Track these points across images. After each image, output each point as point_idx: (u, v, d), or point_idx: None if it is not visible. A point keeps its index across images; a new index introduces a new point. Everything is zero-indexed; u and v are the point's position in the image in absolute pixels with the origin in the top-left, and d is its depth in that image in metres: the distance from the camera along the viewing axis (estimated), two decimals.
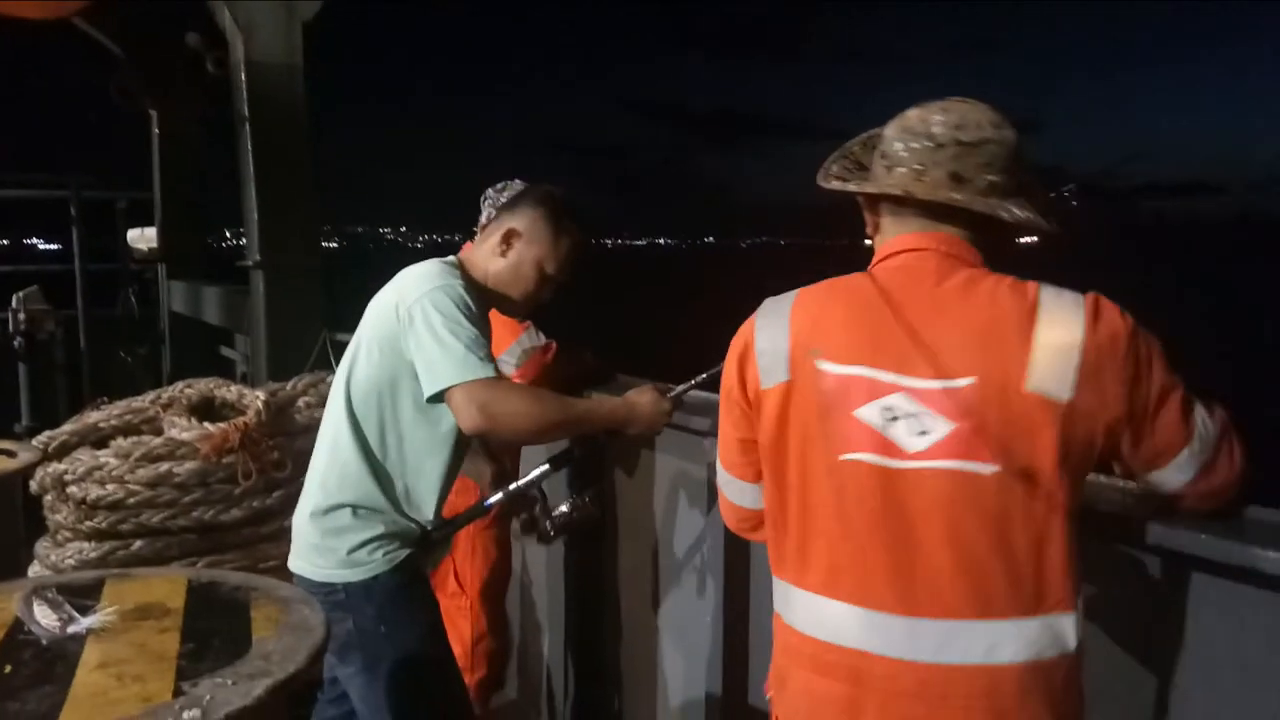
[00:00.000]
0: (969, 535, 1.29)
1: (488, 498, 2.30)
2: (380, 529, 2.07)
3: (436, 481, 2.13)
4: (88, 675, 1.29)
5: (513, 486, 2.29)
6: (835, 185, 1.48)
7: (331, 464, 2.11)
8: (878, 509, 1.32)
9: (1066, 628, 1.30)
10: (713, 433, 2.56)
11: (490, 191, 3.03)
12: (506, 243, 2.18)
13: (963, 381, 1.29)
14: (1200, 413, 1.35)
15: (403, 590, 2.10)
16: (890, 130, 1.41)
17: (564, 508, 2.39)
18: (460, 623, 3.00)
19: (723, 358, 2.20)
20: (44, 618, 1.45)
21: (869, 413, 1.32)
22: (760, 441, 1.45)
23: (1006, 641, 1.29)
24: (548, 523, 2.38)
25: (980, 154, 1.35)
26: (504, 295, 2.21)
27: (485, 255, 2.20)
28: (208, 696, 1.21)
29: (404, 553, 2.11)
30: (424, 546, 2.17)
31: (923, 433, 1.30)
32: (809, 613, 1.40)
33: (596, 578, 3.22)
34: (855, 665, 1.34)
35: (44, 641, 1.40)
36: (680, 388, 2.26)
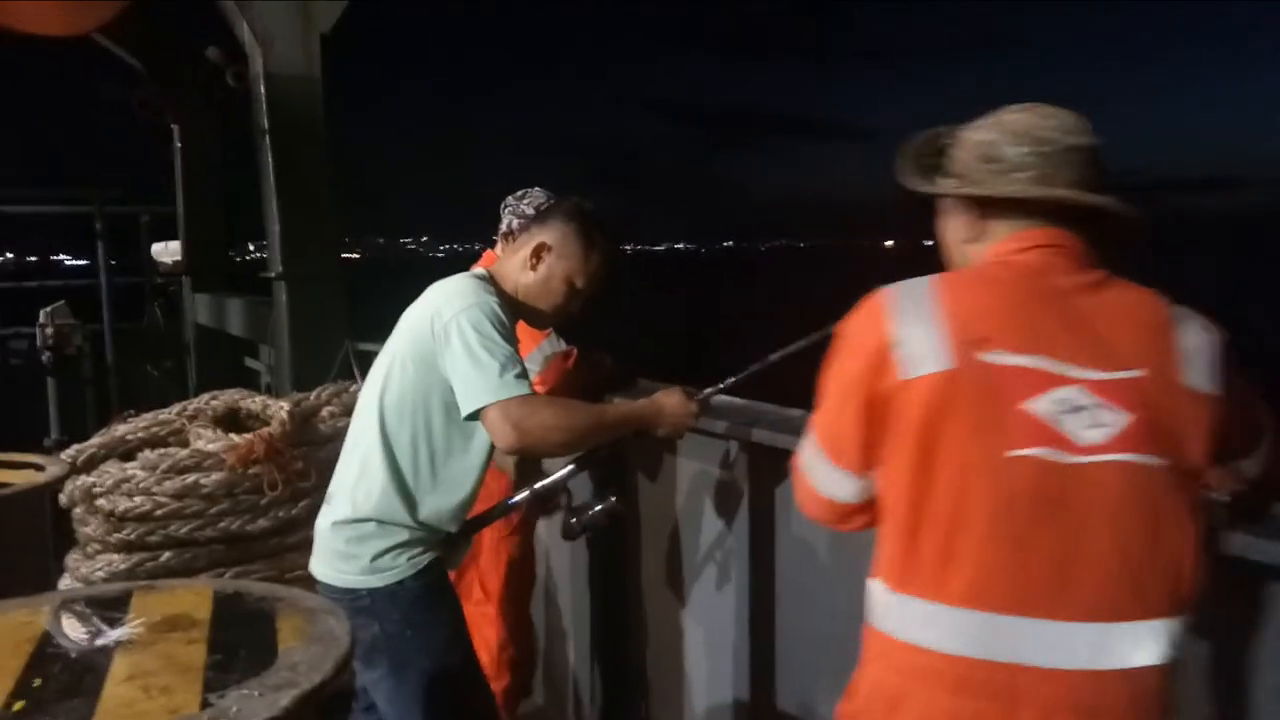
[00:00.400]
0: (1133, 531, 1.27)
1: (512, 497, 2.31)
2: (405, 536, 2.09)
3: (466, 496, 2.14)
4: (116, 687, 1.30)
5: (538, 485, 2.30)
6: (964, 189, 1.42)
7: (361, 479, 2.11)
8: (1044, 507, 1.27)
9: (1183, 628, 1.30)
10: (737, 436, 2.57)
11: (510, 199, 3.04)
12: (537, 257, 2.18)
13: (1135, 373, 1.29)
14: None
15: (427, 594, 2.12)
16: (994, 134, 1.40)
17: (589, 505, 2.39)
18: (486, 630, 3.00)
19: (749, 363, 2.17)
20: (72, 630, 1.46)
21: (1041, 405, 1.27)
22: (897, 437, 1.34)
23: (1152, 643, 1.27)
24: (574, 520, 2.38)
25: (1087, 156, 1.37)
26: (533, 308, 2.22)
27: (515, 269, 2.21)
28: (234, 708, 1.22)
29: (428, 557, 2.12)
30: (448, 548, 2.19)
31: (1098, 425, 1.26)
32: (948, 628, 1.30)
33: (621, 583, 3.21)
34: (1008, 680, 1.27)
35: (73, 654, 1.41)
36: (709, 390, 2.26)
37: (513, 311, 2.14)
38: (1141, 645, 1.27)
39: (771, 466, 2.53)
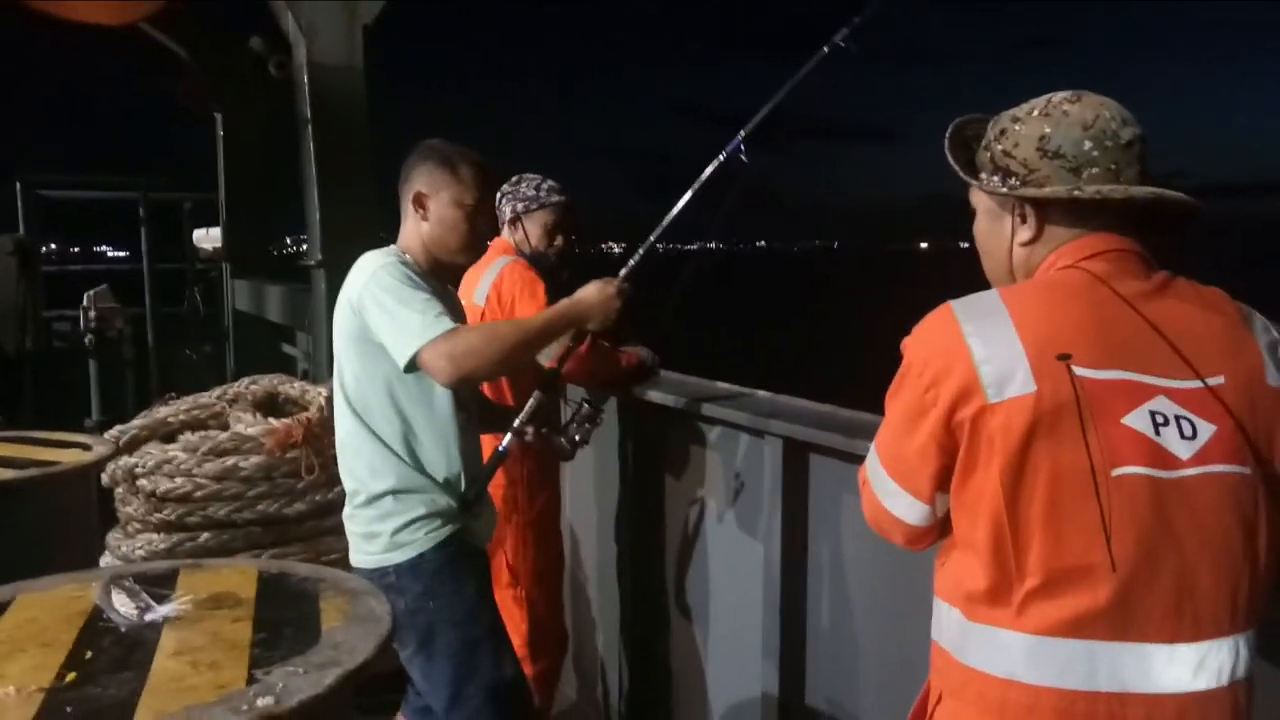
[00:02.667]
0: (1230, 545, 1.23)
1: (500, 445, 2.38)
2: (421, 509, 2.17)
3: (454, 448, 2.22)
4: (165, 661, 1.33)
5: (515, 424, 2.40)
6: (1044, 192, 1.32)
7: (356, 459, 2.22)
8: (1151, 527, 1.21)
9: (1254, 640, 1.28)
10: (767, 433, 2.57)
11: (506, 187, 3.12)
12: (420, 205, 2.26)
13: (1216, 379, 1.24)
14: None
15: (449, 565, 2.20)
16: (1047, 126, 1.33)
17: (570, 422, 2.54)
18: (515, 614, 3.04)
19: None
20: (122, 606, 1.50)
21: (1138, 420, 1.22)
22: (982, 463, 1.26)
23: (1243, 656, 1.25)
24: (562, 439, 2.51)
25: (1143, 148, 1.32)
26: (449, 250, 2.27)
27: (413, 229, 2.28)
28: (280, 684, 1.24)
29: (447, 530, 2.20)
30: (466, 519, 2.25)
31: (1190, 437, 1.22)
32: (1047, 659, 1.24)
33: (650, 576, 3.23)
34: (1111, 711, 1.22)
35: (123, 629, 1.45)
36: (624, 270, 2.37)
37: (436, 269, 2.26)
38: (1239, 659, 1.24)
39: (806, 462, 2.53)
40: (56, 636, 1.42)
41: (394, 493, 2.18)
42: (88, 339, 6.59)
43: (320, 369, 4.83)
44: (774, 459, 2.56)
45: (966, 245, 1.52)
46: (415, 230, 2.27)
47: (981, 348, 1.25)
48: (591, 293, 2.26)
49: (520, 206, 3.11)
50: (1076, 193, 1.29)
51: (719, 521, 2.93)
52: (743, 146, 2.33)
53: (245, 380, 3.86)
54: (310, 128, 4.75)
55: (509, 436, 2.39)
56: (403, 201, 2.29)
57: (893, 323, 1.39)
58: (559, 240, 3.14)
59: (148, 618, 1.46)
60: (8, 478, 2.32)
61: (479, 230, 2.29)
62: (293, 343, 6.24)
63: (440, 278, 2.28)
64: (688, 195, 2.40)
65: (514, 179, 3.14)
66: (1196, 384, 1.23)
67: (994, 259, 1.43)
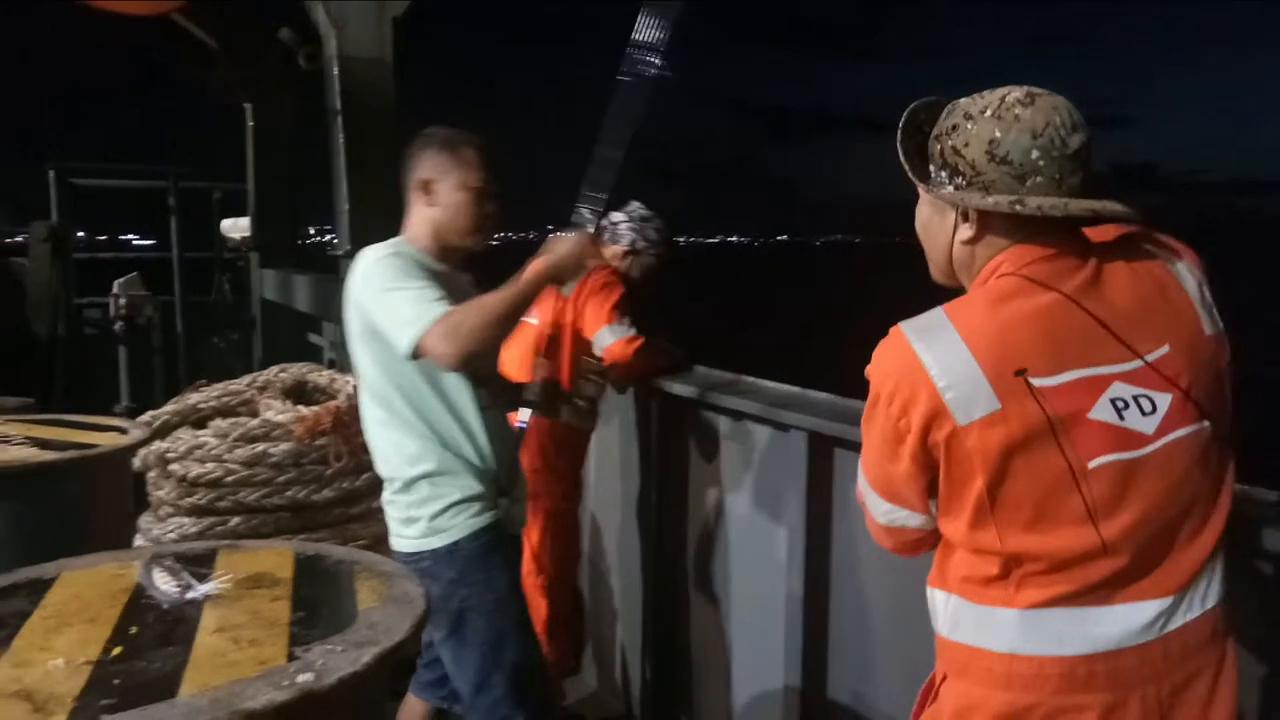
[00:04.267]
0: (1201, 493, 1.35)
1: (516, 421, 2.43)
2: (457, 494, 2.21)
3: (479, 428, 2.24)
4: (207, 638, 1.37)
5: (529, 396, 2.46)
6: (986, 204, 1.35)
7: (388, 447, 2.27)
8: (1133, 504, 1.31)
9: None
10: (792, 426, 2.59)
11: (634, 215, 3.18)
12: (427, 191, 2.27)
13: (1162, 350, 1.34)
14: None
15: (482, 556, 2.23)
16: (997, 129, 1.34)
17: (574, 391, 2.62)
18: (539, 601, 3.09)
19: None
20: (164, 584, 1.53)
21: (1102, 412, 1.31)
22: (960, 481, 1.34)
23: (1216, 582, 1.37)
24: (577, 401, 2.61)
25: (1088, 154, 1.34)
26: (460, 233, 2.29)
27: (419, 217, 2.30)
28: (320, 661, 1.28)
29: (485, 519, 2.23)
30: (504, 502, 2.29)
31: (1151, 412, 1.32)
32: (1041, 630, 1.33)
33: (672, 566, 3.25)
34: (1109, 667, 1.31)
35: (165, 606, 1.48)
36: (585, 218, 2.36)
37: (445, 251, 2.29)
38: (1212, 586, 1.36)
39: (831, 455, 2.55)
40: (101, 612, 1.46)
41: (427, 477, 2.21)
42: (118, 326, 6.67)
43: (347, 359, 4.86)
44: (799, 452, 2.58)
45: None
46: (423, 217, 2.29)
47: (939, 370, 1.31)
48: (559, 245, 2.25)
49: (641, 244, 3.16)
50: (1019, 207, 1.33)
51: (741, 513, 2.95)
52: (650, 58, 2.21)
53: (275, 368, 3.91)
54: (339, 119, 4.80)
55: (526, 411, 2.43)
56: (407, 191, 2.31)
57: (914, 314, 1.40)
58: (647, 284, 3.21)
59: (189, 596, 1.50)
60: (48, 459, 2.37)
61: (488, 211, 2.30)
62: (319, 332, 6.30)
63: (451, 263, 2.31)
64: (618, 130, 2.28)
65: (646, 214, 3.19)
66: (1144, 361, 1.32)
67: (935, 250, 1.47)
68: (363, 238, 4.79)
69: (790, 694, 2.64)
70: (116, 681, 1.24)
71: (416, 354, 2.07)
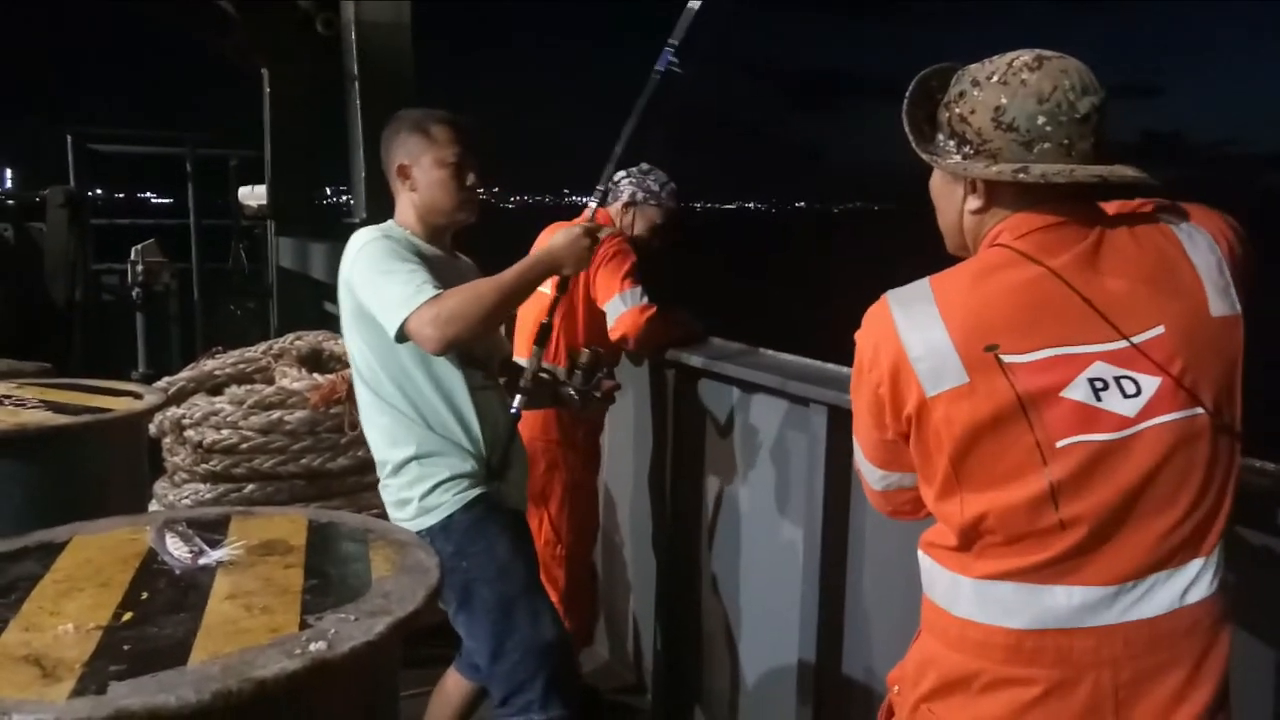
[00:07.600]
0: (1188, 482, 1.29)
1: (511, 407, 2.40)
2: (446, 472, 2.22)
3: (469, 410, 2.24)
4: (219, 605, 1.35)
5: (520, 383, 2.41)
6: (990, 174, 1.32)
7: (376, 431, 2.28)
8: (1098, 488, 1.28)
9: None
10: (812, 400, 2.56)
11: (634, 171, 3.14)
12: (405, 176, 2.28)
13: (1154, 332, 1.28)
14: None
15: (477, 525, 2.23)
16: (1004, 95, 1.31)
17: (574, 378, 2.56)
18: (555, 572, 3.09)
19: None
20: (176, 549, 1.52)
21: (1077, 391, 1.27)
22: (932, 450, 1.35)
23: (1203, 578, 1.31)
24: (570, 391, 2.54)
25: (1101, 118, 1.30)
26: (444, 211, 2.29)
27: (404, 203, 2.31)
28: (332, 630, 1.26)
29: (474, 492, 2.24)
30: (494, 482, 2.29)
31: (1134, 394, 1.27)
32: (990, 601, 1.34)
33: (686, 539, 3.23)
34: (1059, 645, 1.30)
35: (177, 571, 1.47)
36: (587, 213, 2.41)
37: (435, 233, 2.30)
38: (1196, 581, 1.30)
39: (850, 431, 2.51)
40: (113, 577, 1.45)
41: (416, 459, 2.22)
42: (135, 293, 6.69)
43: None
44: (818, 427, 2.55)
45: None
46: (407, 202, 2.30)
47: (913, 340, 1.31)
48: (559, 238, 2.24)
49: (640, 195, 3.14)
50: (1022, 175, 1.30)
51: (758, 488, 2.92)
52: (674, 58, 2.24)
53: (290, 336, 3.91)
54: (357, 85, 4.78)
55: (518, 399, 2.39)
56: (390, 181, 2.31)
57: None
58: (656, 241, 3.17)
59: (201, 561, 1.48)
60: (64, 422, 2.36)
61: (468, 185, 2.29)
62: (335, 301, 6.30)
63: (442, 244, 2.31)
64: (633, 121, 2.31)
65: (645, 167, 3.16)
66: (1133, 341, 1.27)
67: (947, 220, 1.45)
68: (380, 206, 4.79)
69: (804, 668, 2.62)
70: (126, 647, 1.23)
71: (403, 336, 2.07)
